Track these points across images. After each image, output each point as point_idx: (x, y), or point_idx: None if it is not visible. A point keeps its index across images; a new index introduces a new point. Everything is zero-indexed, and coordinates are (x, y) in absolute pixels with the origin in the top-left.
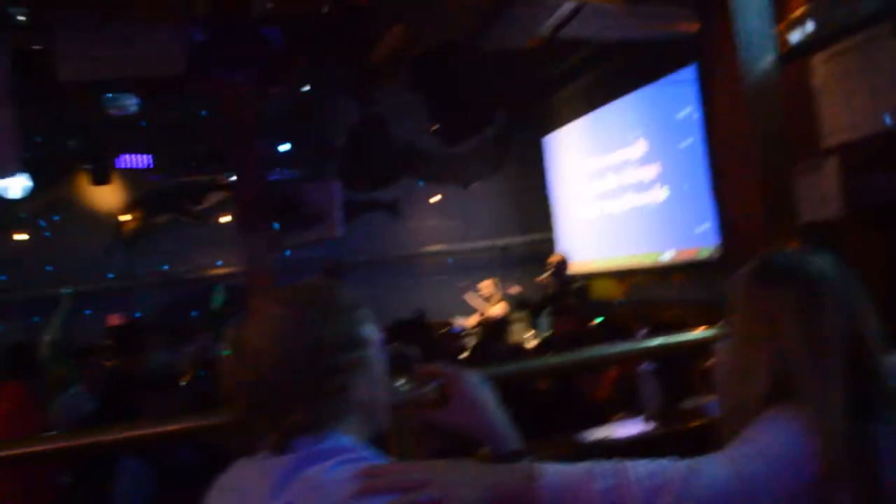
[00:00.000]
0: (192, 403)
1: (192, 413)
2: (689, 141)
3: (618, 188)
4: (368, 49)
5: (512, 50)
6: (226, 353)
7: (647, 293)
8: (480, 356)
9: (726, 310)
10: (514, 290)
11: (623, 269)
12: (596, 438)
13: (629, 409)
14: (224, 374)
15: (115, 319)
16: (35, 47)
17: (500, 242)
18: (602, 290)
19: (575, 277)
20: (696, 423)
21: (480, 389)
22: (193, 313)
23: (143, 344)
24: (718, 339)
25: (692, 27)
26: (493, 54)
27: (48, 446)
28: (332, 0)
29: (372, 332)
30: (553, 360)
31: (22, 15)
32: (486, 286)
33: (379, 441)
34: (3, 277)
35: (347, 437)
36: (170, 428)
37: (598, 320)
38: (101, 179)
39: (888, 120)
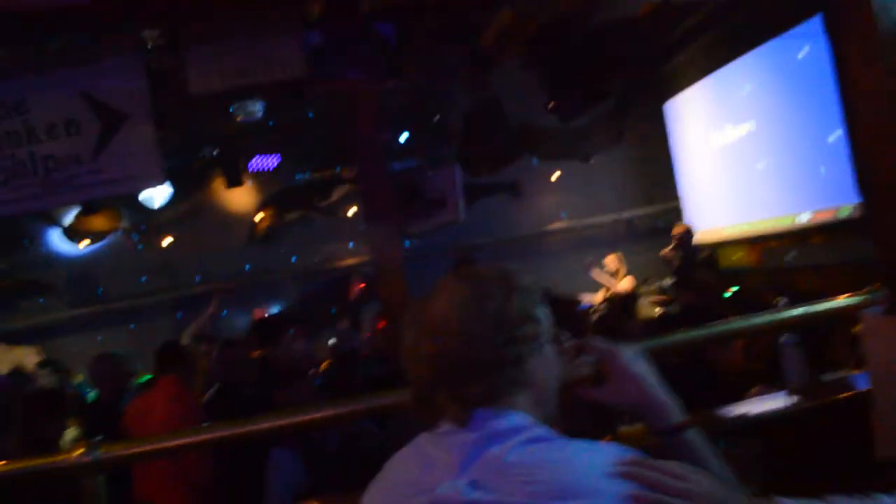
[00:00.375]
0: (324, 394)
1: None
2: (821, 94)
3: (745, 151)
4: (479, 34)
5: (625, 19)
6: (408, 327)
7: (783, 259)
8: (608, 333)
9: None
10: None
11: (755, 234)
12: (737, 414)
13: (767, 382)
14: (405, 348)
15: (259, 313)
16: (167, 66)
17: (625, 215)
18: (733, 258)
19: (702, 248)
20: (842, 397)
21: (638, 363)
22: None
23: (283, 335)
24: (864, 306)
25: None
26: (605, 25)
27: (205, 437)
28: None
29: (546, 314)
30: (685, 335)
31: (155, 38)
32: (612, 261)
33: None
34: (142, 279)
35: (523, 415)
36: (316, 416)
37: (733, 290)
38: (234, 182)
39: None
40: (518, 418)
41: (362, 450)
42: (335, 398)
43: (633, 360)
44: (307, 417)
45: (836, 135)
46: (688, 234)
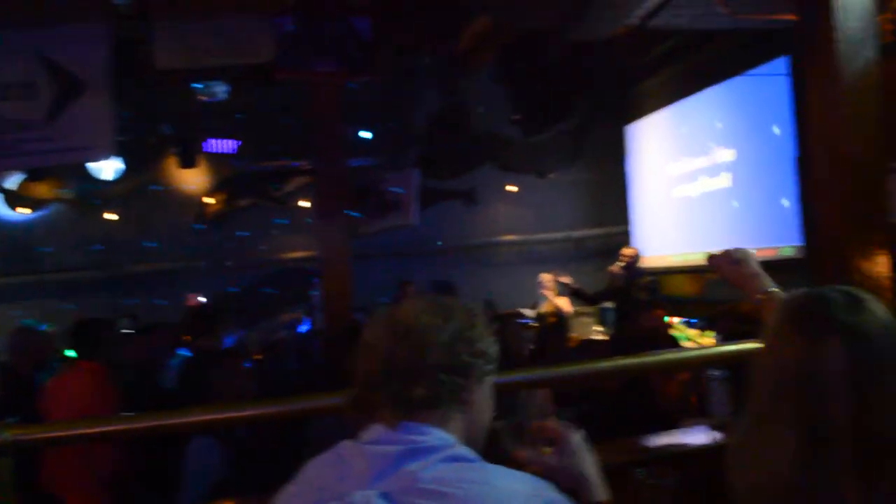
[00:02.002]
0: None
1: (268, 398)
2: (776, 137)
3: (698, 183)
4: (454, 38)
5: (599, 40)
6: (374, 326)
7: (723, 292)
8: (541, 351)
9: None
10: (565, 279)
11: (699, 265)
12: (660, 445)
13: (698, 415)
14: (364, 344)
15: (192, 300)
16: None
17: (575, 234)
18: (675, 286)
19: (646, 272)
20: None
21: (584, 448)
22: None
23: (216, 324)
24: None
25: (789, 17)
26: (577, 44)
27: (119, 427)
28: None
29: (495, 351)
30: (622, 362)
31: (125, 4)
32: (547, 278)
33: None
34: (100, 247)
35: (448, 435)
36: (244, 413)
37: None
38: (188, 162)
39: None
40: (443, 436)
41: (288, 445)
42: (259, 398)
43: (581, 445)
44: (230, 415)
45: (788, 177)
46: (636, 257)
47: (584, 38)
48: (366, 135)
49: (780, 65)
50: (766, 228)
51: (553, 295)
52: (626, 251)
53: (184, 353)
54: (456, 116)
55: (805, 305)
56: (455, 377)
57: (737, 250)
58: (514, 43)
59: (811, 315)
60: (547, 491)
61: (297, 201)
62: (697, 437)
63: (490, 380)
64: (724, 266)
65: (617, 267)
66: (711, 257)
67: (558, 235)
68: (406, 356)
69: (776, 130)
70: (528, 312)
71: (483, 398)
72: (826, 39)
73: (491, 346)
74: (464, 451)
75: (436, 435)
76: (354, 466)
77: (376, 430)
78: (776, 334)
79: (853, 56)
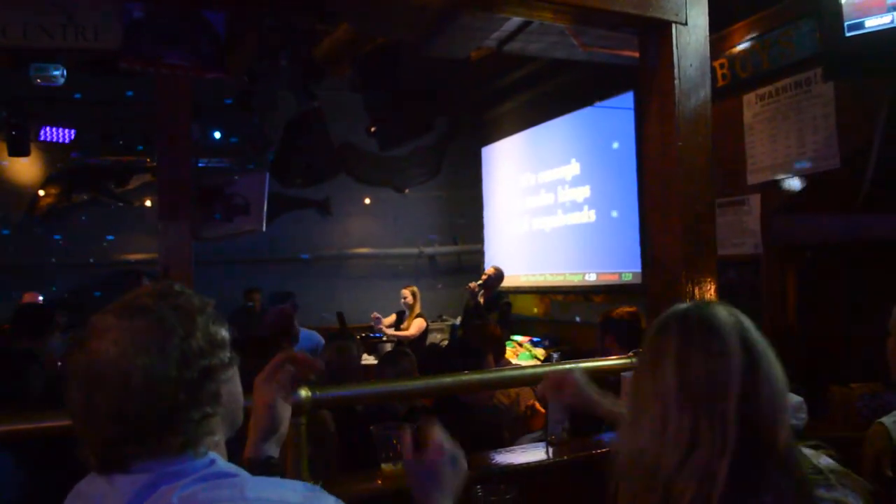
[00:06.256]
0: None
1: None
2: (619, 167)
3: (548, 207)
4: (314, 43)
5: (457, 59)
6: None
7: (566, 313)
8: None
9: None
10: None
11: (546, 286)
12: (499, 461)
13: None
14: (73, 406)
15: (29, 297)
16: None
17: (428, 251)
18: (524, 306)
19: (503, 293)
20: (596, 453)
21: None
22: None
23: (45, 327)
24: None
25: (634, 54)
26: (437, 61)
27: None
28: None
29: (226, 330)
30: (449, 380)
31: None
32: (408, 294)
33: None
34: None
35: (204, 452)
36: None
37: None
38: (19, 150)
39: (805, 164)
40: (198, 460)
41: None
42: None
43: (453, 460)
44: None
45: (626, 205)
46: (497, 276)
47: (440, 56)
48: (216, 135)
49: (627, 99)
50: (610, 256)
51: (415, 310)
52: (489, 270)
53: None
54: (312, 123)
55: (699, 325)
56: (204, 404)
57: (564, 377)
58: (373, 54)
59: (709, 333)
60: (317, 500)
61: (140, 200)
62: (536, 454)
63: (233, 367)
64: (555, 393)
65: (476, 285)
66: (540, 389)
67: (411, 251)
68: (139, 413)
69: (619, 162)
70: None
71: (234, 386)
72: (665, 76)
73: (219, 330)
74: (222, 467)
75: (189, 462)
76: (106, 495)
77: (122, 464)
78: (675, 355)
79: (689, 96)
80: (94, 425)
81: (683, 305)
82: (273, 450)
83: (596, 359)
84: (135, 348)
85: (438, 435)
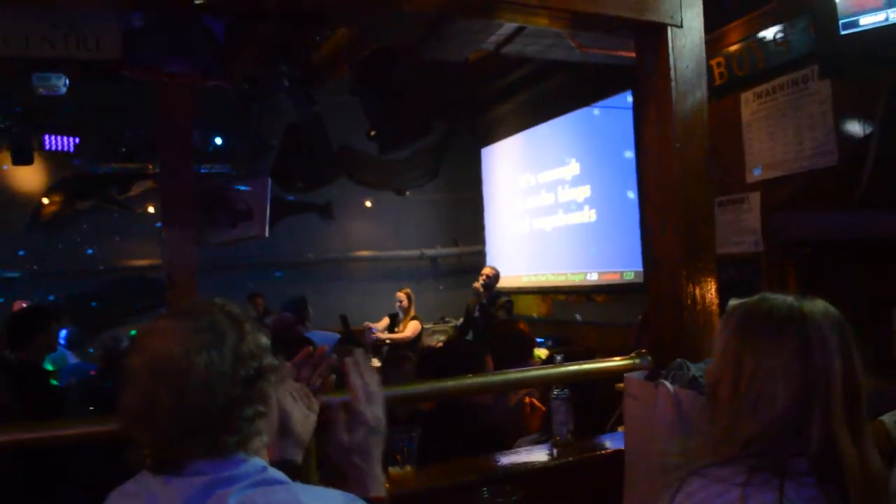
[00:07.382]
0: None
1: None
2: (620, 166)
3: (548, 207)
4: (313, 49)
5: (454, 62)
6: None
7: (569, 313)
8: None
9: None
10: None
11: (548, 286)
12: (504, 462)
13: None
14: (135, 398)
15: (18, 307)
16: None
17: (429, 252)
18: (526, 306)
19: (501, 292)
20: (601, 454)
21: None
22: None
23: (35, 335)
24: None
25: (630, 54)
26: (435, 64)
27: None
28: None
29: (266, 337)
30: (453, 384)
31: None
32: (403, 296)
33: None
34: None
35: (256, 460)
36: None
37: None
38: (23, 159)
39: (803, 161)
40: (249, 464)
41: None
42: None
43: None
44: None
45: (626, 204)
46: (495, 277)
47: (438, 59)
48: (217, 141)
49: (625, 99)
50: (612, 255)
51: (410, 313)
52: (485, 270)
53: None
54: (312, 128)
55: (785, 317)
56: (256, 403)
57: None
58: (371, 58)
59: (794, 323)
60: None
61: (142, 207)
62: (539, 455)
63: (278, 371)
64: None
65: (478, 285)
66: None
67: (412, 253)
68: (199, 409)
69: (619, 161)
70: (378, 327)
71: (278, 395)
72: (662, 78)
73: (263, 340)
74: (273, 474)
75: (242, 465)
76: (163, 497)
77: (178, 464)
78: (758, 346)
79: (686, 97)
80: (153, 422)
81: (788, 299)
82: (292, 453)
83: (599, 359)
84: (195, 346)
85: (355, 378)
